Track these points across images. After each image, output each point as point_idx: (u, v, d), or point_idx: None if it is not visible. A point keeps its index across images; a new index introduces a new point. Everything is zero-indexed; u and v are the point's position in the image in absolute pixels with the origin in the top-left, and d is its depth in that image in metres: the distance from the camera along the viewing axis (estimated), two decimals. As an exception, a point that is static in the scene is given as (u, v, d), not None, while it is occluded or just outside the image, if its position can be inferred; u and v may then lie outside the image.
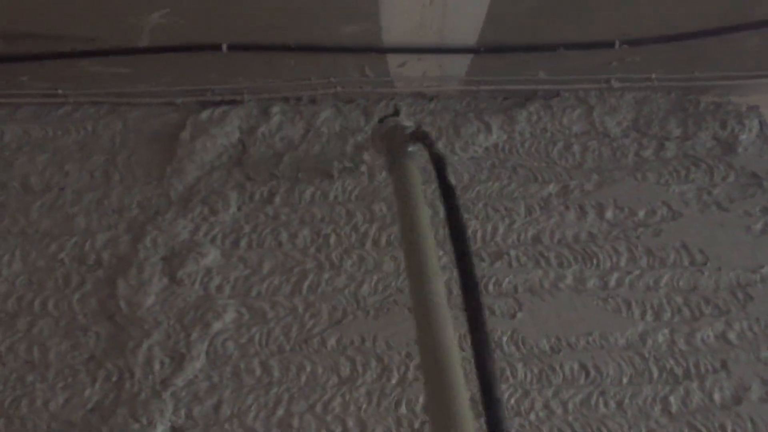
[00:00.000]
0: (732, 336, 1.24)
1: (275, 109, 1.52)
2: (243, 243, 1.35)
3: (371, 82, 1.51)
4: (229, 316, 1.27)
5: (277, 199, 1.40)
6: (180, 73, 1.49)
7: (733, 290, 1.28)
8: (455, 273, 0.88)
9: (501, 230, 1.37)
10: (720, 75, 1.50)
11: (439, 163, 1.02)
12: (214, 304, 1.28)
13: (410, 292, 0.96)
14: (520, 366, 1.22)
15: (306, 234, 1.37)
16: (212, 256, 1.33)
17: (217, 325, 1.26)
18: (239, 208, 1.39)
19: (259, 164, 1.45)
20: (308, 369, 1.22)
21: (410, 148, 1.14)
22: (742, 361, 1.21)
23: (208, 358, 1.23)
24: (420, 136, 1.13)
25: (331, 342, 1.25)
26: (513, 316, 1.27)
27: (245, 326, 1.26)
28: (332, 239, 1.36)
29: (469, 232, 1.36)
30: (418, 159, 1.13)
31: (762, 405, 1.16)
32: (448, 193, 0.97)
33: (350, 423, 1.17)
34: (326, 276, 1.32)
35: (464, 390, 0.81)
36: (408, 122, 1.26)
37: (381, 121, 1.32)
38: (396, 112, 1.35)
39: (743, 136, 1.46)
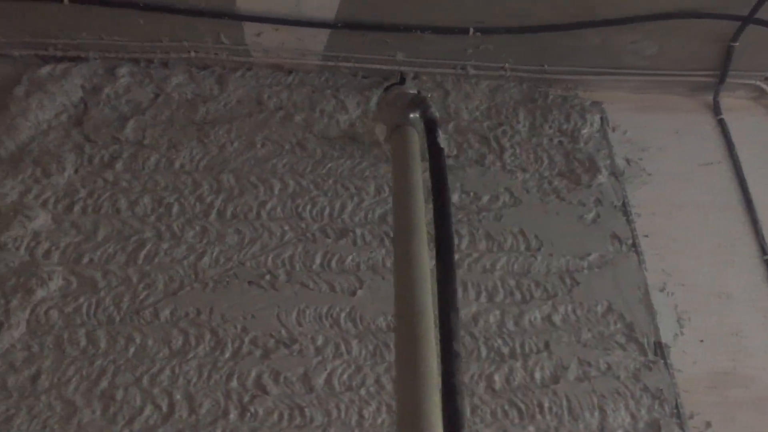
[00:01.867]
0: (557, 318, 1.30)
1: (123, 69, 1.45)
2: (77, 208, 1.29)
3: (227, 49, 1.47)
4: (55, 283, 1.20)
5: (119, 165, 1.34)
6: (18, 24, 1.39)
7: (562, 275, 1.35)
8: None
9: (349, 208, 1.37)
10: (567, 69, 1.57)
11: (429, 125, 1.08)
12: (39, 270, 1.21)
13: (394, 248, 0.97)
14: (355, 342, 1.23)
15: (147, 202, 1.32)
16: (42, 220, 1.26)
17: (40, 293, 1.19)
18: (76, 171, 1.32)
19: (101, 127, 1.38)
20: (138, 341, 1.18)
21: (412, 114, 1.15)
22: (563, 342, 1.27)
23: (28, 327, 1.16)
24: (418, 101, 1.16)
25: (165, 313, 1.21)
26: (353, 293, 1.28)
27: (72, 295, 1.20)
28: (175, 209, 1.32)
29: (317, 208, 1.36)
30: (418, 124, 1.14)
31: (577, 384, 1.23)
32: (435, 153, 1.02)
33: (177, 396, 1.14)
34: (165, 246, 1.28)
35: (433, 343, 0.82)
36: (412, 89, 1.26)
37: (387, 89, 1.31)
38: (402, 80, 1.34)
39: (585, 130, 1.54)
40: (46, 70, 1.41)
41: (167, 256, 1.27)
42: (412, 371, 0.80)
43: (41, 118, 1.36)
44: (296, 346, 1.21)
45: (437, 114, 1.17)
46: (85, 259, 1.24)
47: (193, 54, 1.46)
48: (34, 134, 1.35)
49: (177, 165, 1.36)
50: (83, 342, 1.17)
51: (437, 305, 0.85)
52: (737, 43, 1.52)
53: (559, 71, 1.58)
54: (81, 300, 1.20)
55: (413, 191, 1.03)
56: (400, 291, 0.90)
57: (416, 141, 1.13)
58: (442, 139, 1.03)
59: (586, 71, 1.59)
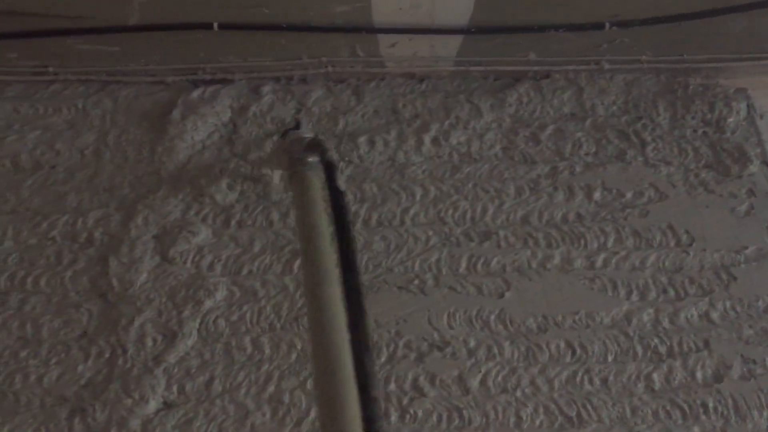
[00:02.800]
0: (715, 315, 1.26)
1: (266, 88, 1.52)
2: (233, 222, 1.36)
3: (362, 61, 1.51)
4: (221, 294, 1.28)
5: (269, 179, 1.41)
6: (170, 52, 1.49)
7: (717, 271, 1.31)
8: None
9: (491, 211, 1.38)
10: (708, 57, 1.51)
11: (329, 169, 1.10)
12: (206, 282, 1.29)
13: (306, 298, 0.99)
14: (507, 344, 1.24)
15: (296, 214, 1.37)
16: (204, 234, 1.34)
17: (208, 303, 1.27)
18: (230, 187, 1.40)
19: (250, 144, 1.45)
20: (299, 346, 1.23)
21: (310, 159, 1.16)
22: (724, 339, 1.23)
23: (199, 336, 1.24)
24: (315, 145, 1.18)
25: (322, 320, 1.26)
26: (501, 295, 1.29)
27: (236, 304, 1.27)
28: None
29: (459, 211, 1.38)
30: (317, 168, 1.14)
31: (742, 383, 1.19)
32: (336, 197, 1.05)
33: (340, 399, 1.18)
34: (317, 255, 1.33)
35: (354, 392, 0.84)
36: (308, 133, 1.30)
37: (282, 135, 1.34)
38: (297, 125, 1.37)
39: (731, 119, 1.48)
40: (197, 93, 1.50)
41: (320, 264, 1.32)
42: (333, 423, 0.81)
43: (196, 139, 1.45)
44: (449, 349, 1.23)
45: (335, 156, 1.21)
46: (245, 270, 1.31)
47: (330, 68, 1.51)
48: (190, 154, 1.44)
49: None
50: (249, 348, 1.23)
51: (352, 350, 0.86)
52: None
53: (698, 60, 1.52)
54: (244, 308, 1.27)
55: (319, 235, 1.02)
56: (315, 340, 0.91)
57: (317, 185, 1.11)
58: (342, 182, 1.05)
59: (727, 58, 1.52)
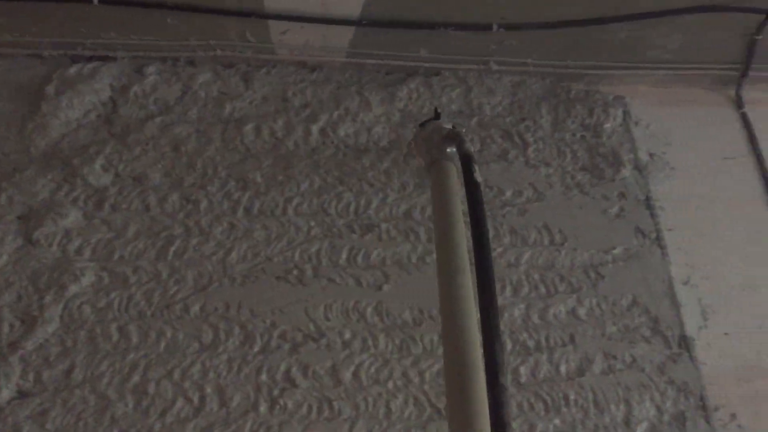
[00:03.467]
0: (582, 312, 1.31)
1: (150, 68, 1.47)
2: (107, 205, 1.31)
3: (252, 47, 1.49)
4: (88, 279, 1.23)
5: (147, 162, 1.36)
6: (49, 25, 1.41)
7: (587, 269, 1.36)
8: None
9: (374, 204, 1.39)
10: (590, 64, 1.58)
11: (466, 160, 1.10)
12: (72, 267, 1.23)
13: (438, 284, 0.99)
14: (382, 336, 1.24)
15: (175, 199, 1.34)
16: (73, 217, 1.28)
17: (73, 288, 1.21)
18: (105, 169, 1.34)
19: (130, 125, 1.40)
20: (169, 335, 1.20)
21: (448, 149, 1.20)
22: (589, 335, 1.28)
23: (62, 322, 1.19)
24: (452, 136, 1.20)
25: (195, 309, 1.23)
26: (379, 288, 1.29)
27: (104, 290, 1.23)
28: (203, 205, 1.34)
29: (343, 203, 1.37)
30: (455, 159, 1.18)
31: (603, 377, 1.24)
32: (472, 188, 1.05)
33: (208, 389, 1.16)
34: (194, 242, 1.30)
35: (482, 376, 0.85)
36: (447, 124, 1.29)
37: (422, 125, 1.35)
38: (437, 116, 1.37)
39: (608, 125, 1.54)
40: (75, 69, 1.43)
41: (196, 252, 1.29)
42: (461, 407, 0.83)
43: (71, 117, 1.39)
44: (324, 340, 1.23)
45: (472, 148, 1.19)
46: (116, 256, 1.26)
47: (219, 52, 1.48)
48: (64, 132, 1.37)
49: (204, 162, 1.38)
50: (116, 337, 1.19)
51: (482, 338, 0.87)
52: (761, 36, 1.52)
53: (582, 66, 1.58)
54: (113, 296, 1.22)
55: (455, 225, 1.06)
56: (447, 325, 0.94)
57: (454, 175, 1.16)
58: (479, 174, 1.07)
59: (609, 66, 1.59)
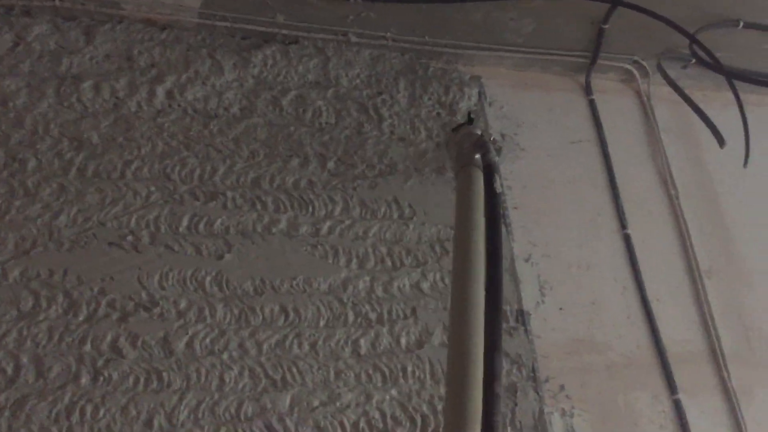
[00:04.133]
0: (425, 286, 1.32)
1: (-22, 15, 1.35)
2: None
3: (96, 0, 1.39)
4: None
5: (-31, 115, 1.25)
6: None
7: (433, 244, 1.37)
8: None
9: (221, 171, 1.34)
10: (449, 42, 1.59)
11: (488, 170, 1.14)
12: None
13: (452, 289, 1.02)
14: (220, 307, 1.20)
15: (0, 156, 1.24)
16: None
17: None
18: None
19: (-49, 74, 1.28)
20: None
21: (476, 156, 1.20)
22: (430, 309, 1.30)
23: None
24: (480, 144, 1.22)
25: (14, 274, 1.14)
26: (221, 257, 1.25)
27: None
28: (30, 164, 1.24)
29: (187, 169, 1.32)
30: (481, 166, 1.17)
31: (441, 349, 1.26)
32: (491, 198, 1.09)
33: (24, 359, 1.08)
34: (18, 203, 1.20)
35: (480, 382, 0.90)
36: (477, 130, 1.29)
37: (455, 130, 1.34)
38: (470, 120, 1.35)
39: (462, 103, 1.56)
40: None
41: (19, 213, 1.19)
42: (458, 410, 0.88)
43: None
44: (157, 310, 1.18)
45: (497, 158, 1.23)
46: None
47: (58, 3, 1.37)
48: None
49: (35, 119, 1.28)
50: None
51: (485, 346, 0.93)
52: (607, 25, 1.58)
53: (440, 44, 1.59)
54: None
55: (474, 233, 1.08)
56: (453, 328, 0.98)
57: (480, 182, 1.16)
58: (499, 185, 1.11)
59: (466, 45, 1.61)
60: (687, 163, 1.69)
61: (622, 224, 1.51)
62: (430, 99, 1.55)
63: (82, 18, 1.42)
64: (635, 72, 1.73)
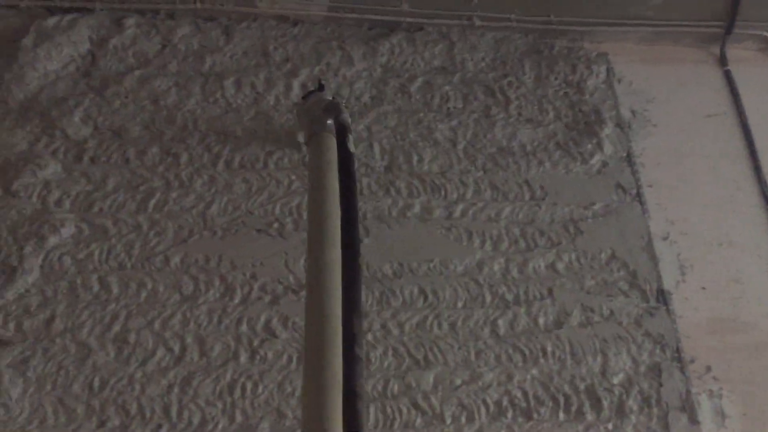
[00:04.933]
0: (560, 266, 1.32)
1: (130, 21, 1.46)
2: (86, 158, 1.30)
3: (233, 0, 1.47)
4: (68, 230, 1.23)
5: (126, 115, 1.36)
6: (24, -26, 1.40)
7: (566, 224, 1.37)
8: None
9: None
10: (574, 20, 1.57)
11: (340, 131, 1.12)
12: (52, 218, 1.23)
13: (307, 256, 0.99)
14: (363, 288, 1.24)
15: (155, 152, 1.33)
16: (52, 169, 1.28)
17: (53, 240, 1.21)
18: (84, 121, 1.33)
19: (109, 77, 1.39)
20: (149, 286, 1.20)
21: (328, 121, 1.18)
22: (567, 289, 1.29)
23: (42, 272, 1.19)
24: (331, 107, 1.19)
25: (175, 260, 1.24)
26: (360, 241, 1.30)
27: (84, 242, 1.22)
28: (183, 158, 1.33)
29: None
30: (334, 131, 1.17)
31: (580, 329, 1.26)
32: (344, 158, 1.07)
33: (188, 339, 1.17)
34: (174, 195, 1.30)
35: (339, 348, 0.86)
36: (328, 96, 1.28)
37: (305, 97, 1.32)
38: (320, 87, 1.34)
39: (590, 81, 1.54)
40: (53, 20, 1.41)
41: (176, 204, 1.29)
42: (317, 374, 0.83)
43: (49, 69, 1.37)
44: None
45: (349, 119, 1.22)
46: (96, 208, 1.26)
47: (199, 5, 1.46)
48: (42, 84, 1.36)
49: (184, 115, 1.37)
50: (96, 287, 1.19)
51: (342, 309, 0.89)
52: (745, -7, 1.52)
53: (565, 22, 1.58)
54: (93, 247, 1.22)
55: (328, 198, 1.04)
56: (310, 296, 0.93)
57: (333, 147, 1.14)
58: (352, 144, 1.08)
59: (592, 22, 1.58)
60: (834, 133, 1.59)
61: (766, 198, 1.44)
62: (556, 78, 1.54)
63: (221, 18, 1.50)
64: (774, 40, 1.65)
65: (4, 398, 1.07)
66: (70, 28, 1.41)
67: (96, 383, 1.11)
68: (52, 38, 1.39)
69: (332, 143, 1.13)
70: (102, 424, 1.08)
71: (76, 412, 1.08)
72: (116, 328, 1.16)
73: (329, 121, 1.17)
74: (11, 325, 1.13)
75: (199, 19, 1.49)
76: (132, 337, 1.15)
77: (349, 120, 1.23)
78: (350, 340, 0.87)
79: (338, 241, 0.97)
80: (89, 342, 1.14)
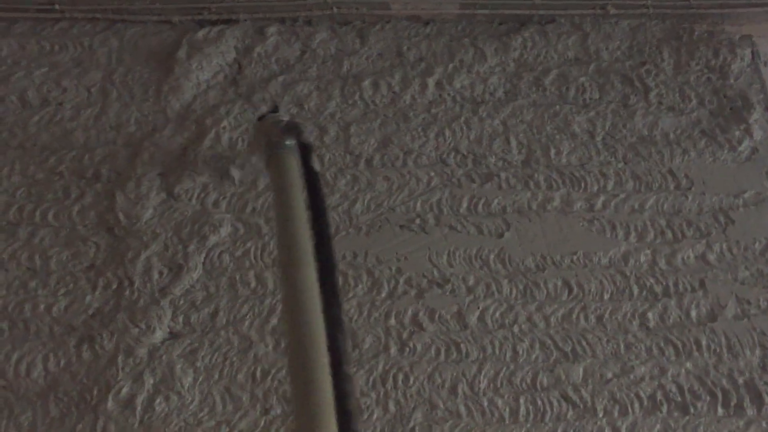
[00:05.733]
0: (711, 257, 1.28)
1: (271, 29, 1.52)
2: (237, 160, 1.38)
3: (367, 3, 1.51)
4: (225, 230, 1.30)
5: (273, 119, 1.42)
6: (176, -9, 1.49)
7: (716, 214, 1.32)
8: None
9: (493, 154, 1.40)
10: (714, 3, 1.51)
11: (304, 150, 1.14)
12: (211, 219, 1.31)
13: (281, 280, 1.00)
14: (505, 282, 1.26)
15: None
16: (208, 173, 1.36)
17: (213, 239, 1.29)
18: (234, 128, 1.41)
19: (255, 84, 1.46)
20: (301, 282, 1.26)
21: (287, 141, 1.17)
22: (720, 280, 1.25)
23: (204, 269, 1.27)
24: (292, 127, 1.20)
25: (324, 257, 1.29)
26: (501, 235, 1.31)
27: (241, 240, 1.30)
28: (326, 159, 1.38)
29: (460, 154, 1.39)
30: (294, 151, 1.16)
31: (736, 322, 1.21)
32: (310, 178, 1.08)
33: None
34: (320, 194, 1.35)
35: (327, 368, 0.85)
36: (285, 116, 1.31)
37: (260, 119, 1.34)
38: (275, 108, 1.38)
39: (735, 65, 1.48)
40: (202, 33, 1.50)
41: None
42: (307, 398, 0.81)
43: (201, 79, 1.46)
44: (449, 286, 1.26)
45: (311, 138, 1.25)
46: (249, 208, 1.33)
47: (335, 10, 1.51)
48: (195, 94, 1.45)
49: (326, 117, 1.42)
50: (253, 283, 1.26)
51: (325, 328, 0.88)
52: None
53: (704, 5, 1.52)
54: (248, 245, 1.29)
55: (296, 217, 1.03)
56: (290, 319, 0.91)
57: (294, 166, 1.12)
58: (317, 163, 1.09)
59: (733, 4, 1.51)
60: None
61: None
62: (698, 64, 1.49)
63: (356, 21, 1.55)
64: None
65: (177, 387, 1.16)
66: (217, 39, 1.49)
67: (258, 373, 1.18)
68: (202, 50, 1.47)
69: (293, 163, 1.12)
70: (266, 411, 1.15)
71: (242, 401, 1.15)
72: (273, 321, 1.22)
73: (288, 142, 1.16)
74: (180, 319, 1.22)
75: (335, 24, 1.54)
76: (289, 330, 1.21)
77: (312, 138, 1.26)
78: (338, 359, 0.86)
79: (311, 260, 0.96)
80: (250, 334, 1.21)
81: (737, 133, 1.40)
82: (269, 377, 1.17)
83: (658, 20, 1.54)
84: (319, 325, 0.89)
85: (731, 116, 1.42)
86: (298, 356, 0.87)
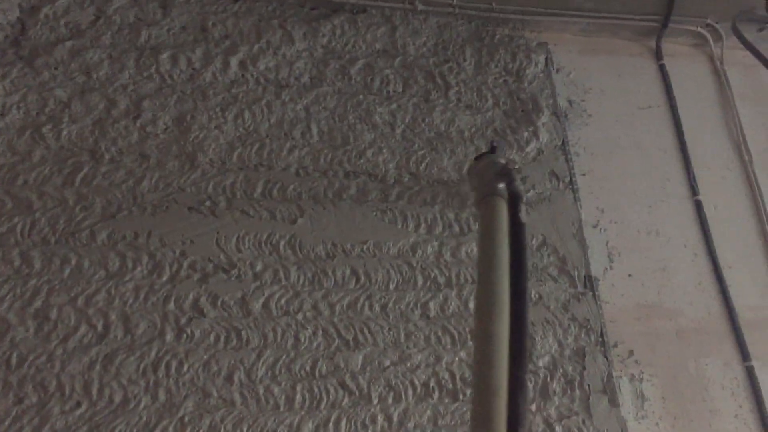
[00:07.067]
0: (493, 251, 1.33)
1: (62, -10, 1.41)
2: (12, 129, 1.26)
3: (171, -27, 1.44)
4: (-11, 203, 1.19)
5: (56, 87, 1.31)
6: (-50, -64, 1.34)
7: (500, 210, 1.38)
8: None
9: (291, 140, 1.37)
10: (516, 9, 1.58)
11: (513, 200, 1.08)
12: (-27, 190, 1.19)
13: (475, 322, 0.96)
14: (294, 269, 1.24)
15: (87, 124, 1.29)
16: (-26, 139, 1.24)
17: (-26, 212, 1.17)
18: (10, 93, 1.29)
19: (39, 48, 1.34)
20: (73, 262, 1.17)
21: (500, 185, 1.13)
22: (498, 273, 1.31)
23: (-40, 245, 1.15)
24: (504, 173, 1.15)
25: (102, 236, 1.21)
26: (294, 221, 1.29)
27: (7, 215, 1.19)
28: (111, 132, 1.30)
29: (260, 137, 1.35)
30: (505, 196, 1.11)
31: (509, 313, 1.27)
32: (516, 229, 1.02)
33: (113, 317, 1.14)
34: (103, 170, 1.26)
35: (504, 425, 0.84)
36: (501, 159, 1.23)
37: (477, 158, 1.28)
38: (492, 149, 1.30)
39: (529, 70, 1.55)
40: (-21, -14, 1.36)
41: (105, 179, 1.26)
42: None
43: (-25, 36, 1.32)
44: (235, 272, 1.22)
45: (522, 188, 1.19)
46: (20, 180, 1.22)
47: (135, -23, 1.43)
48: (-33, 52, 1.31)
49: (117, 89, 1.34)
50: (17, 262, 1.16)
51: (508, 387, 0.86)
52: (681, -12, 1.55)
53: (507, 10, 1.58)
54: (15, 220, 1.18)
55: (498, 266, 1.01)
56: (477, 370, 0.91)
57: (504, 213, 1.10)
58: (524, 214, 1.04)
59: (533, 11, 1.59)
60: (761, 129, 1.64)
61: (693, 190, 1.49)
62: (496, 66, 1.55)
63: (158, -9, 1.47)
64: (708, 36, 1.69)
65: None
66: (-2, -6, 1.36)
67: (14, 359, 1.08)
68: (-21, 5, 1.34)
69: (503, 208, 1.10)
70: (19, 401, 1.06)
71: (-8, 389, 1.06)
72: (37, 303, 1.13)
73: (500, 186, 1.13)
74: (-75, 299, 1.10)
75: (135, -9, 1.45)
76: (53, 313, 1.13)
77: (522, 188, 1.20)
78: (515, 421, 0.84)
79: (506, 314, 0.94)
80: (8, 317, 1.11)
81: (526, 134, 1.47)
82: (26, 364, 1.08)
83: (464, 20, 1.59)
84: (503, 380, 0.86)
85: (522, 118, 1.49)
86: (480, 412, 0.85)
